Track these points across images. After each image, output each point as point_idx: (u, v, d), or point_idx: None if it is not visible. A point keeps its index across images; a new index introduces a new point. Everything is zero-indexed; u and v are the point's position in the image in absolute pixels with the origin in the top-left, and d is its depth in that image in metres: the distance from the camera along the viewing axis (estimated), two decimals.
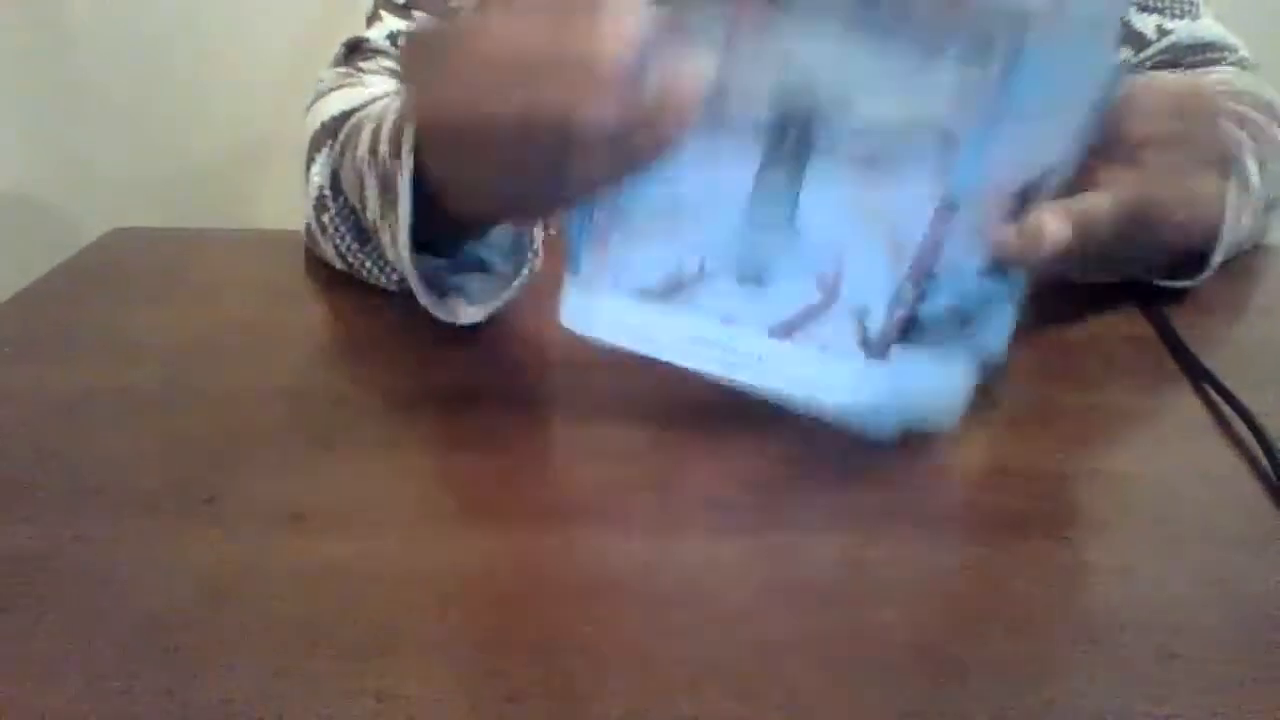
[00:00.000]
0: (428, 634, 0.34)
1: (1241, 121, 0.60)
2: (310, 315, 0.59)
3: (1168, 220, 0.49)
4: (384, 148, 0.53)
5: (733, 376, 0.42)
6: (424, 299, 0.52)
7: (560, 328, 0.44)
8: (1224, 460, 0.43)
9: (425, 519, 0.40)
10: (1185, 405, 0.47)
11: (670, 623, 0.35)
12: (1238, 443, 0.44)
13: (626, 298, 0.43)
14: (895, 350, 0.41)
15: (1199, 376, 0.49)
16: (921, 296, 0.40)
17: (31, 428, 0.47)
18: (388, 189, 0.52)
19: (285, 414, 0.48)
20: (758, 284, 0.41)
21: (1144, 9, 0.71)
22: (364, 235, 0.58)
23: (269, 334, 0.56)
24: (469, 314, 0.52)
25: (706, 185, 0.40)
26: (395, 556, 0.38)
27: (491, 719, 0.31)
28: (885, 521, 0.40)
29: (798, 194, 0.39)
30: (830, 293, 0.40)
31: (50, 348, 0.54)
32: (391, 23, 0.70)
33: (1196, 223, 0.53)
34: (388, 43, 0.70)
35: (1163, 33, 0.70)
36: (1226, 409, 0.46)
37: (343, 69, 0.68)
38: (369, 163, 0.54)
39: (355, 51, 0.70)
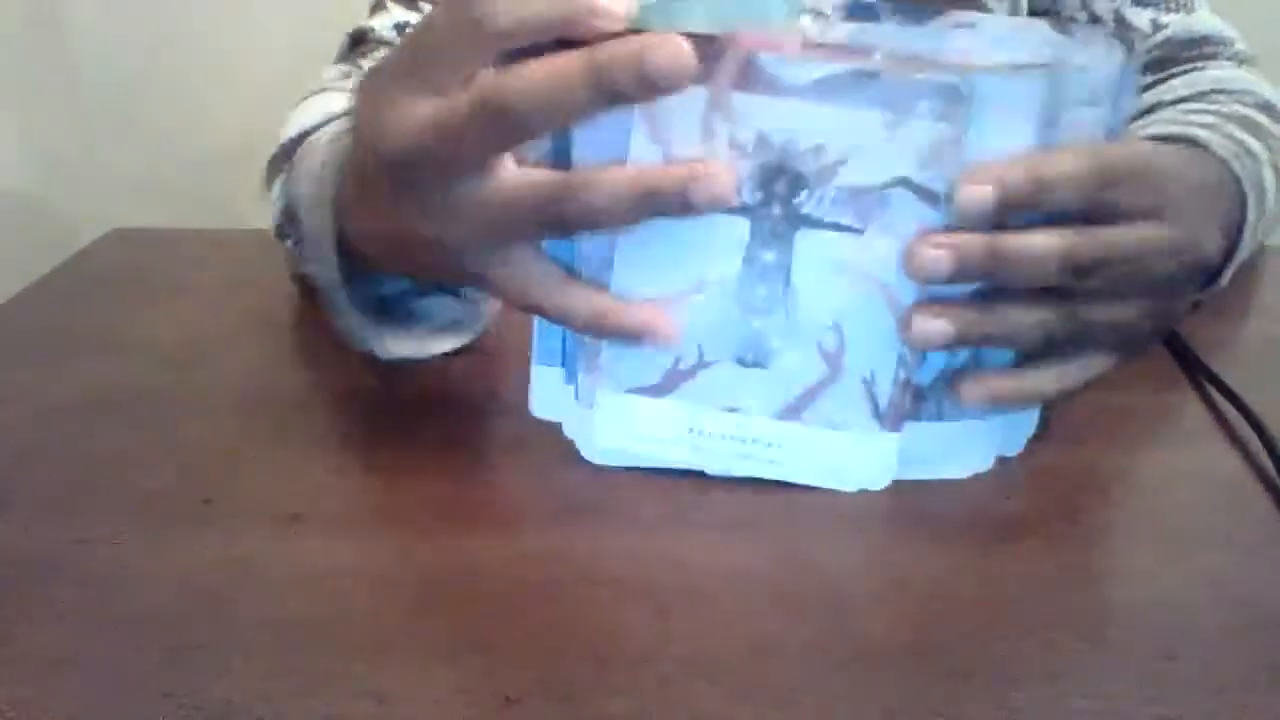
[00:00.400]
0: (427, 634, 0.34)
1: (1256, 130, 0.59)
2: (310, 315, 0.59)
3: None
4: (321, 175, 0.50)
5: (741, 469, 0.41)
6: (346, 324, 0.48)
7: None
8: (1225, 460, 0.43)
9: (424, 519, 0.40)
10: (1186, 405, 0.47)
11: (670, 623, 0.35)
12: (1238, 443, 0.44)
13: (620, 394, 0.41)
14: (908, 423, 0.40)
15: (1200, 375, 0.49)
16: (920, 360, 0.39)
17: (31, 428, 0.47)
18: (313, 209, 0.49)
19: (284, 414, 0.48)
20: (759, 367, 0.40)
21: (1139, 2, 0.69)
22: None
23: (268, 334, 0.56)
24: (401, 346, 0.49)
25: (697, 272, 0.39)
26: (394, 557, 0.38)
27: (491, 719, 0.31)
28: (885, 521, 0.40)
29: (788, 270, 0.39)
30: (835, 365, 0.40)
31: (50, 348, 0.54)
32: (398, 13, 0.68)
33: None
34: (394, 33, 0.67)
35: (1158, 27, 0.69)
36: (1227, 409, 0.46)
37: (344, 66, 0.67)
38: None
39: (359, 44, 0.68)
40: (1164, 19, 0.69)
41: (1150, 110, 0.65)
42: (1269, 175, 0.55)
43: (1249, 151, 0.54)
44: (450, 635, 0.34)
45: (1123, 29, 0.68)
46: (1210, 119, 0.57)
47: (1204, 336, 0.51)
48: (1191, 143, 0.52)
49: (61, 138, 1.28)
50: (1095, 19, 0.69)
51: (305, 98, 0.64)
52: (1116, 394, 0.48)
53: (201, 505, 0.41)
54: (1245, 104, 0.61)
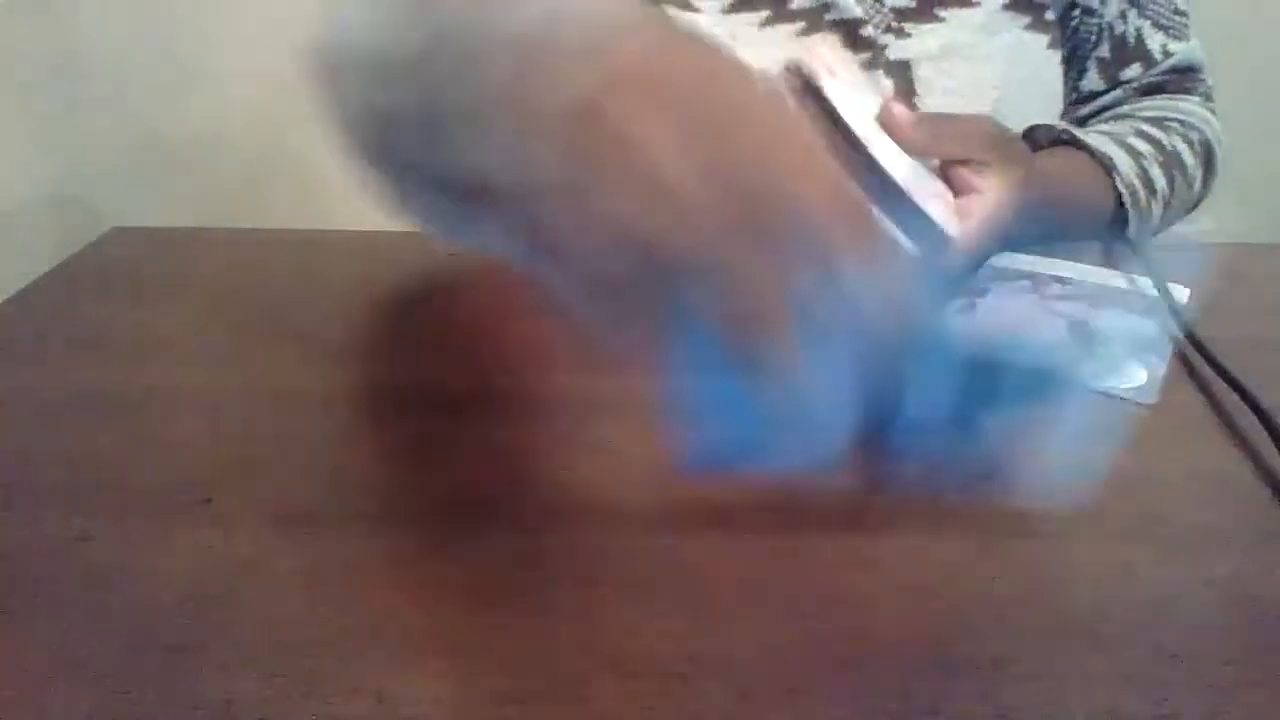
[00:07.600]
0: (427, 634, 0.34)
1: (1180, 169, 0.68)
2: (310, 315, 0.59)
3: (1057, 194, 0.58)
4: None
5: None
6: None
7: None
8: (1226, 459, 0.43)
9: (425, 519, 0.40)
10: (1187, 404, 0.47)
11: (670, 623, 0.35)
12: (1240, 443, 0.44)
13: None
14: None
15: (1215, 371, 0.49)
16: None
17: (31, 428, 0.47)
18: None
19: (284, 414, 0.48)
20: None
21: (1157, 26, 0.74)
22: None
23: (268, 334, 0.56)
24: None
25: None
26: (396, 556, 0.38)
27: (491, 719, 0.31)
28: (885, 521, 0.40)
29: None
30: None
31: (50, 348, 0.54)
32: None
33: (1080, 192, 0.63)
34: None
35: (1166, 54, 0.74)
36: (1229, 407, 0.46)
37: None
38: None
39: None
40: (1173, 46, 0.74)
41: (1113, 107, 0.74)
42: (1158, 209, 0.67)
43: (1153, 190, 0.66)
44: (450, 635, 0.34)
45: (1140, 48, 0.73)
46: (1143, 145, 0.68)
47: (1209, 336, 0.51)
48: (1104, 161, 0.64)
49: (61, 137, 1.28)
50: (1122, 32, 0.74)
51: None
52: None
53: (201, 505, 0.41)
54: (1190, 141, 0.71)
